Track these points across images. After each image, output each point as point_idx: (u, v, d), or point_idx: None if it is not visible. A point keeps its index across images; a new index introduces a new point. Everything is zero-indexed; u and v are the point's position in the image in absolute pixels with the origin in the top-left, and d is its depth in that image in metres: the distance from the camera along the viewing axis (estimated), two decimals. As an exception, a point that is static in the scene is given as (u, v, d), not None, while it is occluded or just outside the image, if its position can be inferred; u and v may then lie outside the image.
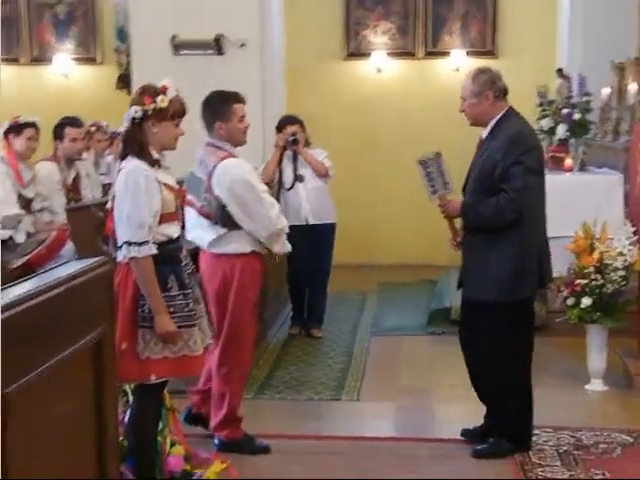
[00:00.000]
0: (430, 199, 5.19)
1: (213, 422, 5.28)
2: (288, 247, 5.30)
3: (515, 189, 4.87)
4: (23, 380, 2.62)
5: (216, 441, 5.27)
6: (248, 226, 5.06)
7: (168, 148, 4.39)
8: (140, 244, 4.15)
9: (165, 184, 4.28)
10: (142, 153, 4.25)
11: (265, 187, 5.19)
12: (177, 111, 4.32)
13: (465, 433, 5.31)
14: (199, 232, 5.21)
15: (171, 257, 4.31)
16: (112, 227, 4.31)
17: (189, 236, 5.28)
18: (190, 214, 5.19)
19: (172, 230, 4.32)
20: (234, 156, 5.12)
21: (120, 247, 4.21)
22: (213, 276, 5.19)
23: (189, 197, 5.17)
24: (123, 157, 4.34)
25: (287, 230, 5.25)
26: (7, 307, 2.58)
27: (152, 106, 4.24)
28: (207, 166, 5.09)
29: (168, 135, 4.33)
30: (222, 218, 5.06)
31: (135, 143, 4.27)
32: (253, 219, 5.04)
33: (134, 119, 4.27)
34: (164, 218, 4.25)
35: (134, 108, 4.27)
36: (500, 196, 4.88)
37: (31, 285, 2.93)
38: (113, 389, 3.45)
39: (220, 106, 5.15)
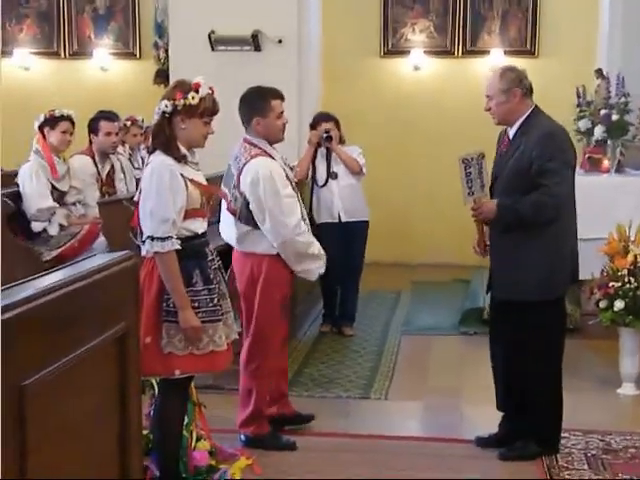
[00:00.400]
0: (465, 201, 5.10)
1: (239, 418, 5.29)
2: (312, 274, 5.24)
3: (556, 183, 4.85)
4: (42, 373, 2.62)
5: (242, 437, 5.28)
6: (264, 228, 5.04)
7: (196, 146, 4.40)
8: (163, 239, 4.17)
9: (191, 180, 4.29)
10: (169, 147, 4.26)
11: (291, 192, 5.09)
12: (207, 109, 4.32)
13: (479, 441, 5.27)
14: (225, 228, 5.27)
15: (196, 252, 4.32)
16: (138, 220, 4.33)
17: (221, 231, 5.32)
18: (223, 208, 5.26)
19: (197, 226, 4.33)
20: (268, 154, 5.10)
21: (144, 241, 4.23)
22: (241, 274, 5.22)
23: (224, 190, 5.20)
24: (151, 151, 4.36)
25: (316, 252, 5.17)
26: (29, 299, 2.58)
27: (182, 102, 4.25)
28: (239, 162, 5.09)
29: (196, 132, 4.33)
30: (246, 216, 5.06)
31: (163, 137, 4.28)
32: (268, 222, 5.01)
33: (164, 113, 4.28)
34: (189, 214, 4.26)
35: (165, 102, 4.28)
36: (539, 192, 4.84)
37: (54, 278, 2.94)
38: (137, 383, 3.44)
39: (258, 101, 5.14)
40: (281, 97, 5.20)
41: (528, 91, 5.04)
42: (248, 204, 5.02)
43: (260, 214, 5.01)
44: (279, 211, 4.99)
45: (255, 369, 5.22)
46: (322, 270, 5.24)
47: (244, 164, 5.04)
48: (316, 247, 5.17)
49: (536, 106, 5.07)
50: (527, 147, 4.91)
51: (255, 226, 5.05)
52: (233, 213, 5.12)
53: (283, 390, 5.53)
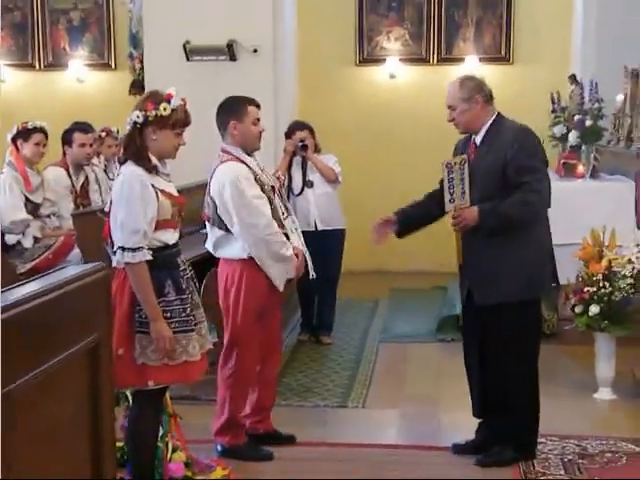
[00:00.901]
0: (446, 208, 5.10)
1: (214, 427, 5.27)
2: (281, 278, 5.19)
3: (537, 179, 4.89)
4: (20, 381, 2.62)
5: (218, 447, 5.26)
6: (234, 231, 5.06)
7: (167, 157, 4.39)
8: (134, 250, 4.16)
9: (162, 191, 4.28)
10: (140, 158, 4.25)
11: (260, 193, 5.09)
12: (179, 120, 4.31)
13: (457, 448, 5.27)
14: (209, 236, 5.26)
15: (168, 262, 4.31)
16: (109, 231, 4.32)
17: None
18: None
19: (168, 237, 4.32)
20: (240, 160, 5.11)
21: (115, 252, 4.23)
22: (219, 280, 5.23)
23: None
24: (123, 162, 4.35)
25: (288, 254, 5.15)
26: (2, 310, 2.58)
27: (154, 113, 4.24)
28: (211, 169, 5.14)
29: (167, 143, 4.32)
30: (217, 220, 5.09)
31: (134, 147, 4.27)
32: (237, 224, 5.03)
33: (135, 123, 4.27)
34: (160, 224, 4.25)
35: (136, 112, 4.27)
36: (522, 190, 4.85)
37: (26, 289, 2.93)
38: (110, 394, 3.44)
39: (234, 106, 5.19)
40: (257, 105, 5.23)
41: (489, 98, 5.08)
42: (217, 208, 5.05)
43: (228, 217, 5.04)
44: (247, 213, 5.01)
45: (229, 376, 5.21)
46: (291, 275, 5.22)
47: (214, 170, 5.10)
48: (289, 249, 5.15)
49: (499, 112, 5.10)
50: (500, 148, 4.93)
51: (227, 230, 5.08)
52: (207, 219, 5.15)
53: (265, 404, 5.45)
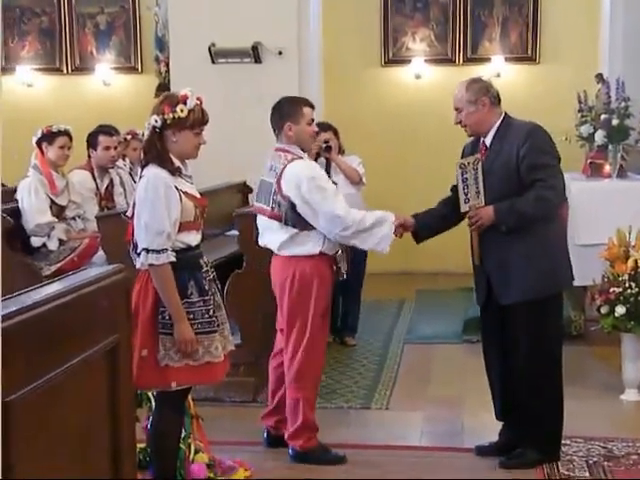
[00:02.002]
0: (462, 208, 5.10)
1: (288, 431, 5.25)
2: (383, 245, 5.10)
3: (551, 175, 4.89)
4: (30, 387, 2.61)
5: (290, 451, 5.26)
6: (319, 225, 5.04)
7: (188, 157, 4.40)
8: (158, 252, 4.17)
9: (185, 192, 4.29)
10: (162, 161, 4.27)
11: (333, 186, 5.16)
12: (197, 120, 4.32)
13: (480, 450, 5.25)
14: (269, 235, 5.24)
15: (191, 264, 4.32)
16: (132, 234, 4.34)
17: (261, 242, 5.33)
18: (261, 220, 5.27)
19: (191, 238, 4.33)
20: (302, 158, 5.15)
21: (139, 254, 4.23)
22: (282, 279, 5.20)
23: (258, 206, 5.25)
24: (144, 165, 4.36)
25: (374, 220, 5.07)
26: (17, 313, 2.58)
27: (171, 115, 4.25)
28: (276, 170, 5.11)
29: (188, 144, 4.33)
30: (292, 218, 5.06)
31: (155, 151, 4.28)
32: (322, 218, 5.01)
33: (154, 128, 4.28)
34: (183, 226, 4.27)
35: (154, 117, 4.28)
36: (537, 187, 4.85)
37: (45, 292, 2.93)
38: (129, 396, 3.44)
39: (290, 108, 5.19)
40: (312, 105, 5.27)
41: (496, 100, 5.07)
42: (294, 206, 5.03)
43: (312, 213, 5.02)
44: (328, 204, 5.00)
45: (299, 379, 5.19)
46: (392, 232, 5.12)
47: (282, 169, 5.07)
48: (372, 216, 5.09)
49: (506, 113, 5.10)
50: (511, 148, 4.92)
51: (302, 228, 5.06)
52: (278, 219, 5.10)
53: None
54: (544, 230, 4.97)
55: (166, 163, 4.27)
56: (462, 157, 5.21)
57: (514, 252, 4.96)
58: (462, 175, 5.05)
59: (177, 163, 4.31)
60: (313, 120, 5.24)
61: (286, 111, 5.18)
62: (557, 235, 5.11)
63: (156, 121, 4.26)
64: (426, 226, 5.32)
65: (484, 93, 5.04)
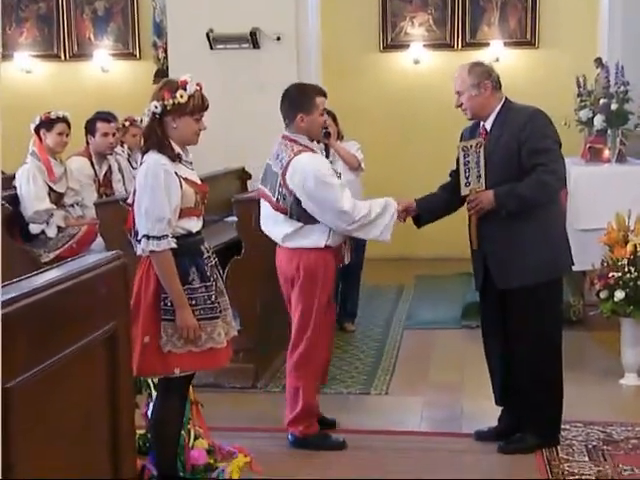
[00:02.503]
0: (462, 191, 5.09)
1: (287, 418, 5.26)
2: (385, 234, 5.12)
3: (552, 160, 4.88)
4: (28, 374, 2.61)
5: (290, 437, 5.27)
6: (325, 220, 5.02)
7: (189, 143, 4.39)
8: (159, 238, 4.16)
9: (185, 179, 4.28)
10: (162, 147, 4.25)
11: (339, 181, 5.10)
12: (197, 106, 4.30)
13: (479, 435, 5.26)
14: (273, 226, 5.22)
15: (192, 250, 4.31)
16: (133, 221, 4.33)
17: (264, 228, 5.31)
18: (265, 207, 5.23)
19: (192, 224, 4.32)
20: (310, 149, 5.10)
21: (139, 241, 4.23)
22: (287, 271, 5.19)
23: (264, 191, 5.20)
24: (144, 152, 4.35)
25: (379, 210, 5.08)
26: (14, 300, 2.57)
27: (171, 101, 4.23)
28: (282, 160, 5.07)
29: (188, 130, 4.31)
30: (297, 212, 5.04)
31: (155, 137, 4.27)
32: (329, 213, 4.99)
33: (154, 114, 4.27)
34: (184, 212, 4.25)
35: (154, 103, 4.26)
36: (538, 171, 4.84)
37: (42, 279, 2.93)
38: (128, 383, 3.43)
39: (302, 98, 5.13)
40: (324, 94, 5.21)
41: (497, 84, 5.06)
42: (299, 201, 5.01)
43: (318, 209, 5.00)
44: (335, 200, 4.97)
45: (300, 367, 5.20)
46: (394, 220, 5.14)
47: (288, 162, 5.03)
48: (378, 206, 5.10)
49: (507, 97, 5.09)
50: (512, 133, 4.91)
51: (307, 222, 5.04)
52: (283, 212, 5.08)
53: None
54: (544, 215, 4.97)
55: (166, 149, 4.26)
56: (460, 142, 5.20)
57: (514, 237, 4.95)
58: (464, 158, 5.04)
59: (177, 149, 4.30)
60: (325, 109, 5.19)
61: (298, 101, 5.12)
62: (557, 220, 5.12)
63: (156, 107, 4.24)
64: (427, 210, 5.32)
65: (486, 77, 5.02)
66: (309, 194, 4.97)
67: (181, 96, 4.23)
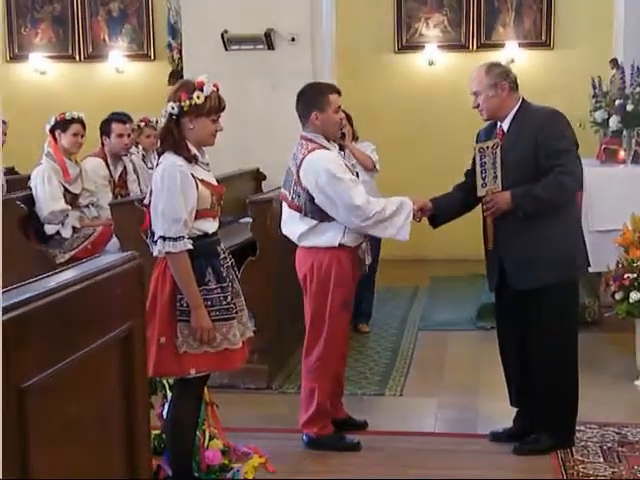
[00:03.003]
0: (478, 192, 5.08)
1: (302, 418, 5.26)
2: (403, 233, 5.08)
3: (569, 161, 4.87)
4: (44, 374, 2.61)
5: (305, 438, 5.27)
6: (338, 217, 5.00)
7: (205, 144, 4.40)
8: (175, 239, 4.17)
9: (202, 180, 4.29)
10: (179, 148, 4.26)
11: (353, 177, 5.08)
12: (214, 107, 4.31)
13: (494, 436, 5.26)
14: (290, 226, 5.22)
15: (208, 251, 4.32)
16: (149, 222, 4.34)
17: (283, 230, 5.30)
18: (284, 209, 5.24)
19: (208, 226, 4.33)
20: (324, 147, 5.08)
21: (156, 242, 4.23)
22: (303, 270, 5.18)
23: (283, 193, 5.21)
24: (160, 153, 4.36)
25: (395, 208, 5.03)
26: (31, 300, 2.58)
27: (188, 102, 4.24)
28: (297, 159, 5.08)
29: (205, 131, 4.32)
30: (311, 210, 5.03)
31: (172, 139, 4.28)
32: (341, 210, 4.97)
33: (171, 115, 4.28)
34: (200, 214, 4.27)
35: (170, 104, 4.27)
36: (555, 172, 4.83)
37: (58, 279, 2.93)
38: (144, 384, 3.43)
39: (316, 96, 5.12)
40: (338, 92, 5.20)
41: (515, 85, 5.05)
42: (313, 199, 5.00)
43: (331, 204, 4.97)
44: (347, 195, 4.93)
45: (315, 368, 5.19)
46: (410, 219, 5.08)
47: (302, 160, 5.03)
48: (392, 204, 5.05)
49: (524, 98, 5.07)
50: (530, 134, 4.90)
51: (322, 219, 5.03)
52: (298, 210, 5.08)
53: (336, 391, 5.44)
54: (561, 216, 4.95)
55: (182, 150, 4.26)
56: (476, 142, 5.20)
57: (531, 238, 4.94)
58: (481, 159, 5.03)
59: (194, 150, 4.31)
60: (339, 107, 5.18)
61: (312, 99, 5.11)
62: (574, 221, 5.10)
63: (173, 108, 4.25)
64: (443, 210, 5.31)
65: (504, 77, 5.01)
66: (322, 189, 4.96)
67: (198, 97, 4.23)
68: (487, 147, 5.02)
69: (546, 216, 4.91)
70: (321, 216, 5.03)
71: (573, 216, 5.10)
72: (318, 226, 5.06)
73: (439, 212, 5.31)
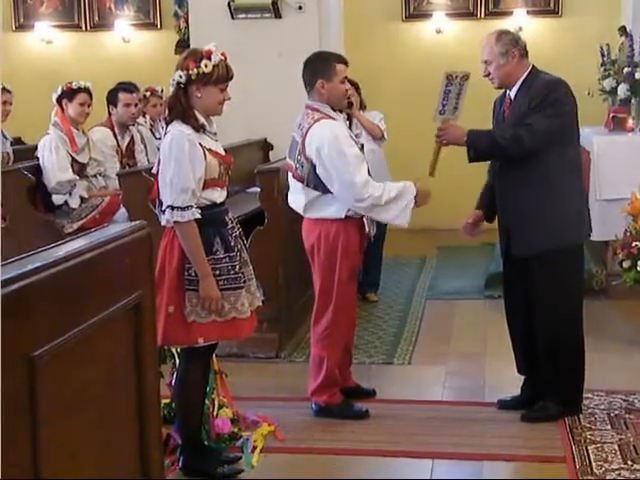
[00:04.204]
0: (434, 119, 5.10)
1: (310, 387, 5.27)
2: (401, 219, 5.05)
3: (539, 121, 4.80)
4: (54, 343, 2.62)
5: (314, 406, 5.27)
6: (334, 190, 4.97)
7: (213, 113, 4.38)
8: (183, 208, 4.17)
9: (209, 150, 4.28)
10: (186, 117, 4.25)
11: (358, 152, 5.01)
12: (222, 76, 4.29)
13: (502, 404, 5.27)
14: (295, 195, 5.20)
15: (216, 220, 4.33)
16: (157, 192, 4.33)
17: (289, 201, 5.29)
18: (290, 179, 5.21)
19: (216, 195, 4.33)
20: (331, 117, 5.05)
21: (164, 211, 4.23)
22: (309, 242, 5.17)
23: (288, 162, 5.19)
24: (168, 122, 4.35)
25: (393, 194, 4.98)
26: (41, 269, 2.59)
27: (196, 71, 4.22)
28: (302, 129, 5.04)
29: (212, 100, 4.31)
30: (314, 180, 4.99)
31: (180, 108, 4.26)
32: (337, 183, 4.94)
33: (179, 84, 4.26)
34: (208, 183, 4.26)
35: (178, 73, 4.25)
36: (520, 126, 4.83)
37: (67, 248, 2.94)
38: (153, 352, 3.44)
39: (322, 65, 5.08)
40: (345, 62, 5.16)
41: (525, 52, 5.02)
42: (315, 168, 4.96)
43: (328, 177, 4.94)
44: (346, 170, 4.89)
45: (324, 336, 5.19)
46: (410, 205, 5.04)
47: (307, 129, 4.99)
48: (392, 190, 5.00)
49: (534, 66, 5.05)
50: (530, 99, 4.88)
51: (324, 191, 4.99)
52: (300, 180, 5.06)
53: (345, 359, 5.44)
54: (559, 183, 4.92)
55: (190, 119, 4.25)
56: (493, 110, 5.21)
57: (523, 206, 4.95)
58: (446, 86, 5.03)
59: (201, 120, 4.30)
60: (346, 77, 5.15)
61: (318, 68, 5.07)
62: (570, 190, 4.99)
63: (180, 77, 4.23)
64: (488, 207, 5.30)
65: (514, 45, 4.98)
66: (323, 160, 4.92)
67: (205, 65, 4.21)
68: (456, 76, 5.02)
69: (541, 185, 4.89)
70: (323, 188, 5.00)
71: (572, 184, 4.99)
72: (322, 197, 5.03)
73: (487, 210, 5.31)
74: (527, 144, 4.84)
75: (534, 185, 4.90)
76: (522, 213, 4.96)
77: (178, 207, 4.18)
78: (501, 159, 4.99)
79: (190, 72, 4.23)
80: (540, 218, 4.92)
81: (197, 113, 4.29)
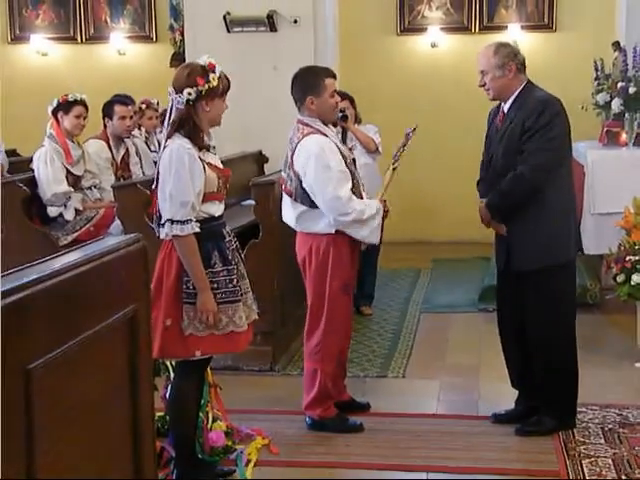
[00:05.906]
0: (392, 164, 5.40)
1: (305, 401, 5.27)
2: (373, 237, 5.12)
3: (536, 152, 4.84)
4: (49, 356, 2.62)
5: (308, 420, 5.28)
6: (319, 204, 4.99)
7: (216, 124, 4.42)
8: (183, 222, 4.18)
9: (208, 163, 4.30)
10: (195, 133, 4.27)
11: (344, 168, 5.02)
12: (225, 87, 4.36)
13: (496, 418, 5.27)
14: (286, 210, 5.23)
15: (214, 233, 4.34)
16: (157, 205, 4.34)
17: (283, 216, 5.31)
18: (283, 193, 5.23)
19: (214, 209, 4.35)
20: (321, 132, 5.06)
21: (163, 225, 4.24)
22: (302, 255, 5.19)
23: (282, 176, 5.22)
24: (169, 136, 4.34)
25: (373, 212, 5.07)
26: (36, 282, 2.59)
27: (206, 86, 4.23)
28: (292, 143, 5.07)
29: (218, 112, 4.37)
30: (301, 195, 5.03)
31: (191, 124, 4.27)
32: (320, 197, 4.96)
33: (189, 101, 4.25)
34: (206, 197, 4.28)
35: (187, 90, 4.23)
36: (521, 161, 4.87)
37: (63, 261, 2.94)
38: (148, 365, 3.44)
39: (311, 80, 5.10)
40: (334, 76, 5.18)
41: (522, 66, 5.05)
42: (302, 183, 5.00)
43: (313, 190, 4.97)
44: (330, 185, 4.92)
45: (316, 350, 5.20)
46: (378, 222, 5.12)
47: (297, 144, 5.02)
48: (371, 208, 5.07)
49: (529, 80, 5.07)
50: (521, 117, 4.90)
51: (311, 205, 5.02)
52: (289, 194, 5.10)
53: (339, 373, 5.42)
54: (546, 201, 4.93)
55: (197, 139, 4.28)
56: (488, 121, 5.24)
57: (514, 224, 5.00)
58: (406, 140, 5.60)
59: (206, 140, 4.33)
60: (335, 90, 5.17)
61: (307, 84, 5.09)
62: (557, 207, 4.98)
63: (190, 94, 4.23)
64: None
65: (511, 58, 5.00)
66: (309, 174, 4.95)
67: (214, 79, 4.24)
68: (412, 130, 5.49)
69: (532, 203, 4.92)
70: (310, 202, 5.02)
71: (560, 201, 4.99)
72: (310, 212, 5.05)
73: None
74: (531, 177, 4.88)
75: (527, 203, 4.92)
76: (513, 230, 5.01)
77: (178, 221, 4.19)
78: (520, 203, 4.95)
79: (200, 88, 4.23)
80: (527, 236, 4.95)
81: (203, 128, 4.31)
